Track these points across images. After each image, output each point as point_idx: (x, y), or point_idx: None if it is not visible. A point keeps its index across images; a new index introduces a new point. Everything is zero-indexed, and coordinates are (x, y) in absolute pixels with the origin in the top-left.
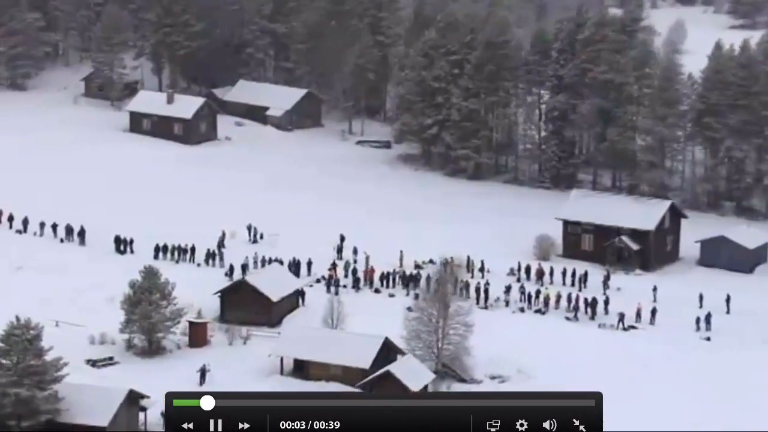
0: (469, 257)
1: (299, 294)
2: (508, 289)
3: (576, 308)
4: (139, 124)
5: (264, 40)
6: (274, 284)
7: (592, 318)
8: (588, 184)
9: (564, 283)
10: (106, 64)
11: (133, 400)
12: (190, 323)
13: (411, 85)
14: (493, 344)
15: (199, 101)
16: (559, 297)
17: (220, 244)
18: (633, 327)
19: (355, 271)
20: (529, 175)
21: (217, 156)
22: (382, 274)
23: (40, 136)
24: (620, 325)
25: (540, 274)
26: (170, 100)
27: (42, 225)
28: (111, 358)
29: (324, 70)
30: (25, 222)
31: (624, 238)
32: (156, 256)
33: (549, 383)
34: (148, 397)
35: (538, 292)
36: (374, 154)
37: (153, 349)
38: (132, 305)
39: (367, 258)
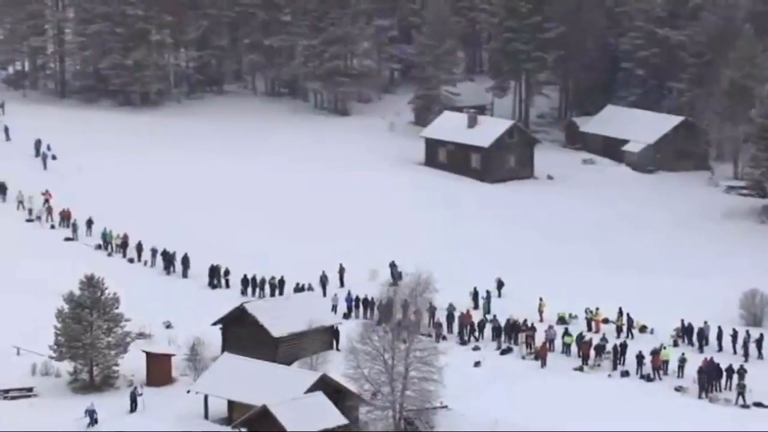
0: (621, 310)
1: (332, 333)
2: (620, 348)
3: (704, 380)
4: (434, 154)
5: (648, 52)
6: (285, 317)
7: (712, 390)
8: None
9: (735, 351)
10: (432, 80)
11: None
12: (148, 355)
13: None
14: (519, 407)
15: (504, 125)
16: (682, 362)
17: (324, 281)
18: (761, 405)
19: (450, 316)
20: None
21: (508, 201)
22: (480, 322)
23: (295, 165)
24: (739, 400)
25: (701, 336)
26: (472, 124)
27: (154, 253)
28: (30, 389)
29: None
30: (140, 249)
31: None
32: (244, 291)
33: None
34: None
35: (655, 353)
36: (732, 205)
37: (96, 384)
38: (65, 325)
39: (483, 303)
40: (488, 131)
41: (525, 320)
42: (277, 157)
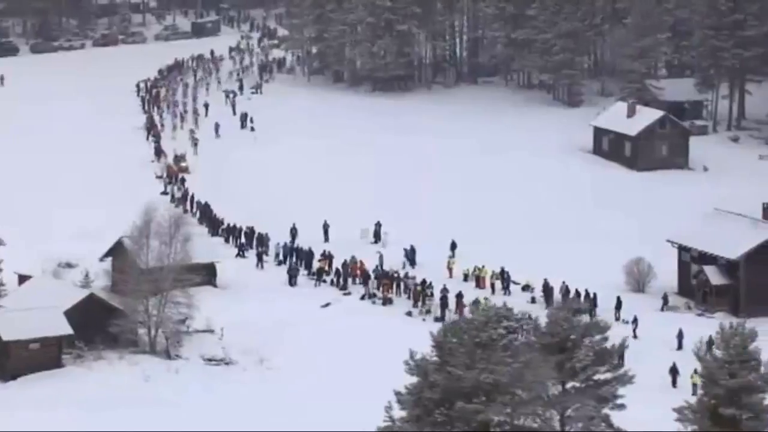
0: (503, 270)
1: (210, 270)
2: (457, 297)
3: None
4: (600, 143)
5: None
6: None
7: None
8: None
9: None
10: (634, 74)
11: None
12: (19, 276)
13: None
14: (306, 339)
15: (655, 115)
16: None
17: (294, 233)
18: None
19: (344, 264)
20: None
21: (633, 187)
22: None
23: (474, 148)
24: None
25: (548, 292)
26: (630, 113)
27: (198, 205)
28: None
29: None
30: (192, 201)
31: (707, 269)
32: (227, 240)
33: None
34: None
35: (476, 302)
36: None
37: None
38: None
39: (379, 256)
40: (641, 120)
41: (398, 272)
42: (463, 140)
